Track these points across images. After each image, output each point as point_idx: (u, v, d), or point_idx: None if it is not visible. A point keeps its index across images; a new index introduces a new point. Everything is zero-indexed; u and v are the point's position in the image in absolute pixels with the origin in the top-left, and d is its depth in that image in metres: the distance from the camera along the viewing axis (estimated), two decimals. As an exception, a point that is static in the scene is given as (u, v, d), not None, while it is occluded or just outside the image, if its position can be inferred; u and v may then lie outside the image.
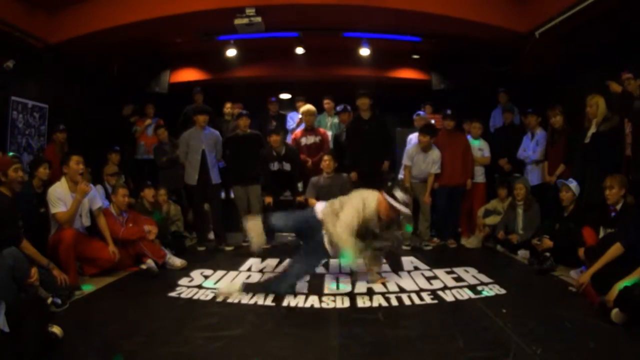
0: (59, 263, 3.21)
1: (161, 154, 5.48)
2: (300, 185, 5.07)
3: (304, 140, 5.30)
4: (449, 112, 5.13)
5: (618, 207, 3.26)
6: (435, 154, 4.90)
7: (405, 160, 5.03)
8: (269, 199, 4.86)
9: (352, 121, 5.10)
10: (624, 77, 3.79)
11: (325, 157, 4.75)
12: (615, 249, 2.79)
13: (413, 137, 5.26)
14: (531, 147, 4.90)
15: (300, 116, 5.85)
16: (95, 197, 3.79)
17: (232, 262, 4.15)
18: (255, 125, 5.49)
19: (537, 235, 4.01)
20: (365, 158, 4.84)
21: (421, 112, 5.75)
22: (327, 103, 5.96)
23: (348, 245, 3.06)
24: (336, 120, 5.82)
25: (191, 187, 4.91)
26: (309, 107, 5.33)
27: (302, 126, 5.49)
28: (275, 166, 4.89)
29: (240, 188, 5.09)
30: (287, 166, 4.89)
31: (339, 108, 5.44)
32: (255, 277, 3.64)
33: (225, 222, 5.11)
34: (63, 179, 3.59)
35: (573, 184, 3.90)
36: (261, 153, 4.94)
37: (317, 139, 5.32)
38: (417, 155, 4.93)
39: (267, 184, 4.94)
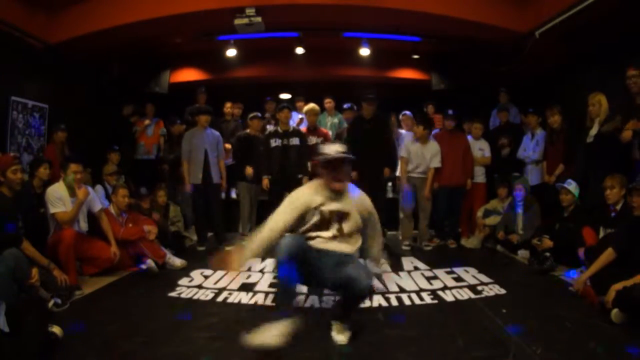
0: (59, 263, 3.21)
1: (170, 150, 5.50)
2: (309, 165, 4.95)
3: None
4: (450, 112, 5.14)
5: (618, 207, 3.26)
6: (433, 147, 4.90)
7: (402, 152, 5.01)
8: (265, 181, 4.80)
9: (353, 121, 5.10)
10: (629, 73, 3.65)
11: None
12: (608, 254, 2.79)
13: (405, 134, 5.32)
14: (531, 147, 4.90)
15: (300, 116, 5.85)
16: (94, 199, 3.79)
17: (232, 262, 4.14)
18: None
19: (537, 235, 4.02)
20: (366, 157, 4.82)
21: (407, 112, 5.75)
22: (328, 102, 5.94)
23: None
24: (336, 120, 5.81)
25: (194, 187, 4.91)
26: (312, 105, 5.28)
27: (303, 125, 5.49)
28: (277, 142, 4.83)
29: (246, 184, 5.12)
30: (294, 140, 4.84)
31: (346, 106, 5.43)
32: (255, 277, 3.63)
33: (225, 222, 5.10)
34: (61, 181, 3.60)
35: (572, 185, 3.90)
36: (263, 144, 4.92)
37: (320, 140, 5.24)
38: (414, 145, 4.93)
39: (264, 164, 4.81)
